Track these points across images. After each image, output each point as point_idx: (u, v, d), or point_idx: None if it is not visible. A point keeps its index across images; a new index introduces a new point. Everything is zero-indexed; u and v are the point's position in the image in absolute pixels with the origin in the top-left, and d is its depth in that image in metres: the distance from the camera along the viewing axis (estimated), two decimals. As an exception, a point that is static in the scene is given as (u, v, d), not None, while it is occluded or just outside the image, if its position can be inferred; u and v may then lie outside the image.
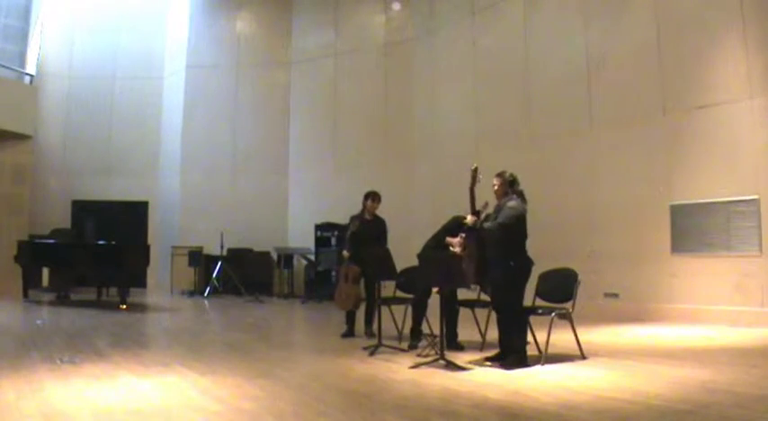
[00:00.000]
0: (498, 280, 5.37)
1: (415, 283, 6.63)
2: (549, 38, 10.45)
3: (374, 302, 7.10)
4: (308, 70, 14.58)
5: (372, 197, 7.47)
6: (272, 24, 15.13)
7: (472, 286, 5.77)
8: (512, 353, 5.30)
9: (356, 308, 7.19)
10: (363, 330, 7.21)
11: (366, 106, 13.59)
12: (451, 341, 6.18)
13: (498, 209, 5.56)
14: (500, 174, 5.66)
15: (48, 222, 13.79)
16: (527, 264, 5.40)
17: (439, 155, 12.13)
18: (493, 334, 5.81)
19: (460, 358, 5.53)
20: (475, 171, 5.64)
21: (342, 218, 12.87)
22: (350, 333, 7.23)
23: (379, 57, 13.51)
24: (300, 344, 7.68)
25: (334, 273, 12.76)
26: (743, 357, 5.78)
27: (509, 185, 5.59)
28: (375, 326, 6.48)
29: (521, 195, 5.57)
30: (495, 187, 5.65)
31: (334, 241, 12.76)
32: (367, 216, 7.44)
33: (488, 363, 5.38)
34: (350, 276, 7.12)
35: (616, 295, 9.09)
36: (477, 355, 5.75)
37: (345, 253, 7.30)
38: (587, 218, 9.58)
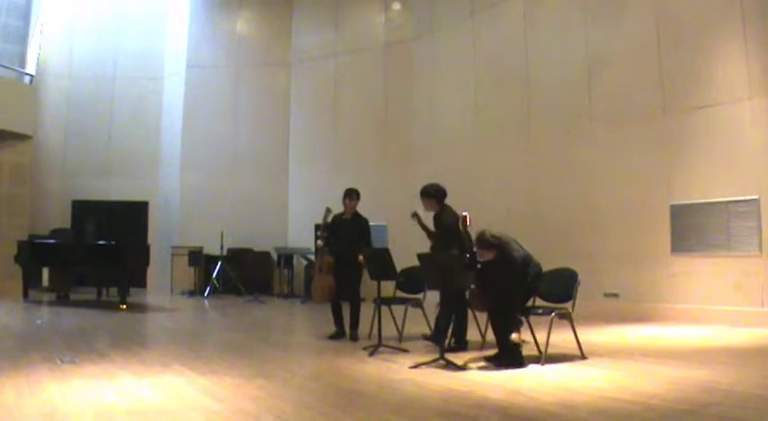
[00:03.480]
0: (500, 284, 5.39)
1: (423, 284, 6.63)
2: (549, 38, 10.45)
3: (358, 304, 7.01)
4: (308, 70, 14.58)
5: (349, 195, 7.23)
6: (272, 24, 15.14)
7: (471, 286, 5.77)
8: (506, 353, 5.33)
9: (329, 300, 7.05)
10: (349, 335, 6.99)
11: (366, 106, 13.58)
12: (461, 339, 6.22)
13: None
14: (481, 242, 5.50)
15: (48, 222, 13.81)
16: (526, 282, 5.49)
17: (439, 155, 12.12)
18: (492, 334, 5.80)
19: (461, 358, 5.53)
20: (464, 219, 5.83)
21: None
22: (339, 334, 7.06)
23: (379, 57, 13.51)
24: (300, 344, 7.67)
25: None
26: (743, 357, 5.78)
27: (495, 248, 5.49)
28: (362, 329, 6.31)
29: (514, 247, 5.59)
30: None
31: (334, 241, 12.72)
32: (346, 215, 7.28)
33: (484, 363, 5.39)
34: (323, 268, 7.05)
35: (616, 295, 9.08)
36: (477, 355, 5.75)
37: (320, 242, 7.20)
38: (587, 218, 9.58)
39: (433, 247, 6.42)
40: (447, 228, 6.28)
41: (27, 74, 14.74)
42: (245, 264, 13.54)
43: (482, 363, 5.39)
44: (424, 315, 6.68)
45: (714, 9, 8.39)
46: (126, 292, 10.57)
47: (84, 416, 3.75)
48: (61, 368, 5.20)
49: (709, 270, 8.18)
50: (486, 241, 5.40)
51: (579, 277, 5.58)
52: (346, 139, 13.77)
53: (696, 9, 8.57)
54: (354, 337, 6.90)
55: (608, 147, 9.45)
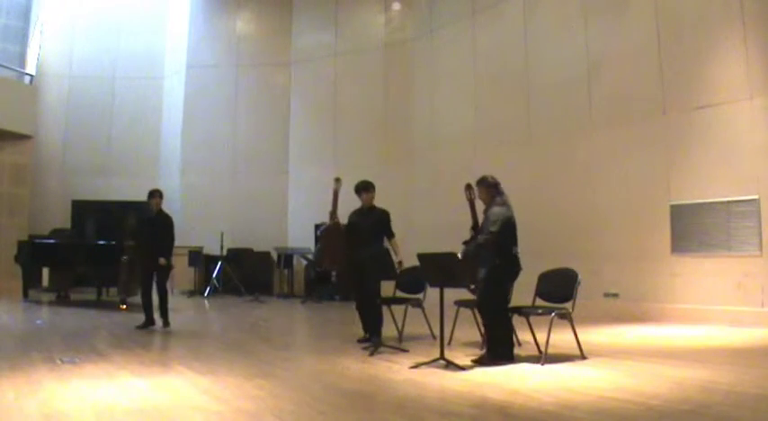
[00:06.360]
0: (483, 277, 5.41)
1: (412, 283, 6.70)
2: (549, 38, 10.45)
3: (165, 295, 7.98)
4: (308, 70, 14.57)
5: (151, 195, 8.03)
6: (272, 24, 15.13)
7: (471, 286, 5.77)
8: (496, 351, 5.36)
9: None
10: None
11: (366, 106, 13.58)
12: (373, 334, 6.43)
13: (486, 217, 5.62)
14: (482, 181, 5.75)
15: (48, 222, 13.80)
16: (513, 265, 5.49)
17: (439, 155, 12.13)
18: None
19: (460, 358, 5.53)
20: (469, 187, 5.83)
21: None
22: (148, 323, 7.93)
23: (379, 57, 13.51)
24: (300, 344, 7.67)
25: (334, 273, 12.79)
26: (743, 357, 5.79)
27: (494, 190, 5.69)
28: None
29: (504, 199, 5.68)
30: (479, 195, 5.78)
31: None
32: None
33: (472, 362, 5.37)
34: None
35: (616, 295, 9.09)
36: (477, 354, 5.74)
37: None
38: (587, 218, 9.58)
39: (366, 241, 6.74)
40: (381, 218, 6.80)
41: (27, 74, 14.75)
42: (245, 264, 13.54)
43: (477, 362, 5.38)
44: (425, 315, 6.68)
45: (714, 9, 8.39)
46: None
47: (84, 416, 3.75)
48: (61, 368, 5.20)
49: (709, 270, 8.18)
50: (484, 179, 5.72)
51: (579, 277, 5.59)
52: (346, 139, 13.77)
53: (696, 9, 8.58)
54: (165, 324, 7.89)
55: (608, 147, 9.45)
